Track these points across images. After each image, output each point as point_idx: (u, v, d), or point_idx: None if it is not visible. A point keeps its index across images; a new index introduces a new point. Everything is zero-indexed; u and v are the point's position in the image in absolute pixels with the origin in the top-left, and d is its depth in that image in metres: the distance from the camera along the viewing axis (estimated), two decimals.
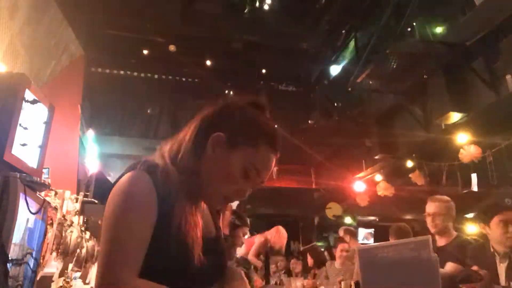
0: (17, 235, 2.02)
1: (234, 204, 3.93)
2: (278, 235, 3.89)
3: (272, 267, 4.86)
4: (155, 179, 0.88)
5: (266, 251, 3.90)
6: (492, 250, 2.39)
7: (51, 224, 2.66)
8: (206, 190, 0.93)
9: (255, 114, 0.96)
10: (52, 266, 2.62)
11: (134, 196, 0.86)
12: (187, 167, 0.90)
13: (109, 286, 0.79)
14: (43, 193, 2.47)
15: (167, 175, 0.89)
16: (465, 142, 4.99)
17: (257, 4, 7.07)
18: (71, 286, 2.86)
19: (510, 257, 2.29)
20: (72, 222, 2.89)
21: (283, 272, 5.37)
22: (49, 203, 2.51)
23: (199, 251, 0.88)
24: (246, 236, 3.39)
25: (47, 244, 2.44)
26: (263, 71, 8.71)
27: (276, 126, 0.98)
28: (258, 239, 4.05)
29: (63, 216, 2.84)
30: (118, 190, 0.88)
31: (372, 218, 9.17)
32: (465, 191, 5.52)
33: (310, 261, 5.35)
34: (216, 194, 0.93)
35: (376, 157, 6.57)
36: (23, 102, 2.16)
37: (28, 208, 2.11)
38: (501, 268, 2.31)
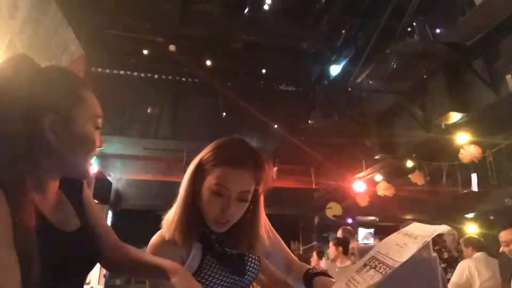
0: None
1: None
2: None
3: None
4: None
5: None
6: None
7: None
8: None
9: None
10: None
11: None
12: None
13: None
14: None
15: None
16: (465, 142, 4.98)
17: (257, 4, 7.07)
18: None
19: None
20: None
21: None
22: None
23: None
24: None
25: None
26: (263, 71, 8.71)
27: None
28: None
29: None
30: None
31: (372, 218, 9.15)
32: (465, 191, 5.51)
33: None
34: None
35: (376, 157, 6.57)
36: None
37: None
38: None
